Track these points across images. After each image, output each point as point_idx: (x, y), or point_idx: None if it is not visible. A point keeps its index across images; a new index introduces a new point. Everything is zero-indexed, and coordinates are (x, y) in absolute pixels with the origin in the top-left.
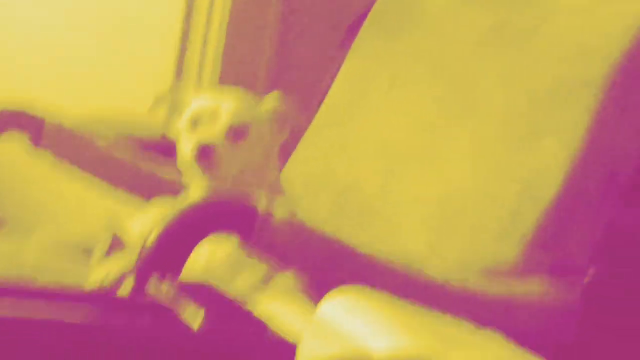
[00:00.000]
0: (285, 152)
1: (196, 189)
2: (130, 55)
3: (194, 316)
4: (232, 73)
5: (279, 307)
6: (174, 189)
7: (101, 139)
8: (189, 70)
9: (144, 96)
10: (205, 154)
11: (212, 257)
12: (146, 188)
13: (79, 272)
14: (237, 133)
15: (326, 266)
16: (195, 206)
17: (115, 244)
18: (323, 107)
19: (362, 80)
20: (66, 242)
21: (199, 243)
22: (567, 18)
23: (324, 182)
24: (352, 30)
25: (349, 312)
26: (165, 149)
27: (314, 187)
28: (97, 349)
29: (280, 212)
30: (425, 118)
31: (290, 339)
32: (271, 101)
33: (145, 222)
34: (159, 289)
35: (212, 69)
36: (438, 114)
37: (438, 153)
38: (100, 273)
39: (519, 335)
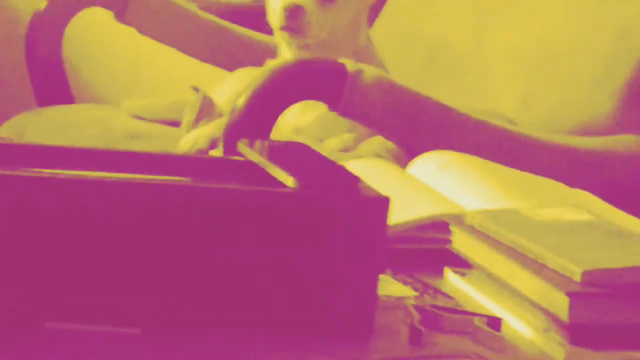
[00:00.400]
0: (374, 12)
1: (286, 52)
2: None
3: (286, 174)
4: None
5: (368, 166)
6: (264, 53)
7: (188, 4)
8: None
9: None
10: (294, 14)
11: (302, 118)
12: (235, 53)
13: (170, 137)
14: None
15: (417, 126)
16: (284, 68)
17: (205, 109)
18: None
19: None
20: (156, 108)
21: (289, 105)
22: None
23: (413, 39)
24: None
25: (440, 172)
26: (255, 14)
27: (403, 45)
28: (190, 208)
29: (369, 73)
30: None
31: (383, 195)
32: None
33: (234, 85)
34: (250, 150)
35: None
36: None
37: (530, 5)
38: (190, 137)
39: (613, 190)
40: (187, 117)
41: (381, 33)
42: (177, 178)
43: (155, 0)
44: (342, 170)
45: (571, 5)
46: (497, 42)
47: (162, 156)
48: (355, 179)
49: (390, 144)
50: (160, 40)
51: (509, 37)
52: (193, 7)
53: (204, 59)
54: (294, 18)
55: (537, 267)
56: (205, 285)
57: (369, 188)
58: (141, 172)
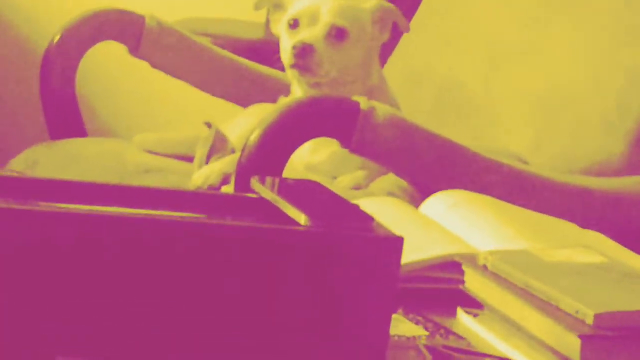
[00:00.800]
0: (387, 50)
1: (298, 89)
2: None
3: (299, 212)
4: None
5: (381, 205)
6: (277, 89)
7: (202, 39)
8: None
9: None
10: (304, 53)
11: (315, 156)
12: (248, 89)
13: (183, 172)
14: (337, 33)
15: (430, 165)
16: (297, 105)
17: (217, 144)
18: (424, 2)
19: None
20: (168, 143)
21: (301, 142)
22: None
23: (425, 77)
24: None
25: (452, 211)
26: (268, 50)
27: (415, 84)
28: (203, 245)
29: (382, 110)
30: (530, 11)
31: (396, 234)
32: (373, 2)
33: (247, 121)
34: (263, 187)
35: None
36: (542, 7)
37: (542, 46)
38: (203, 172)
39: (626, 232)
40: (200, 153)
41: (394, 71)
42: (189, 214)
43: (169, 34)
44: (355, 209)
45: (581, 47)
46: (508, 83)
47: (174, 192)
48: (369, 217)
49: (402, 182)
50: (174, 75)
51: (519, 78)
52: (206, 42)
53: (217, 95)
54: (303, 57)
55: (549, 309)
56: (217, 322)
57: (382, 227)
58: (153, 208)
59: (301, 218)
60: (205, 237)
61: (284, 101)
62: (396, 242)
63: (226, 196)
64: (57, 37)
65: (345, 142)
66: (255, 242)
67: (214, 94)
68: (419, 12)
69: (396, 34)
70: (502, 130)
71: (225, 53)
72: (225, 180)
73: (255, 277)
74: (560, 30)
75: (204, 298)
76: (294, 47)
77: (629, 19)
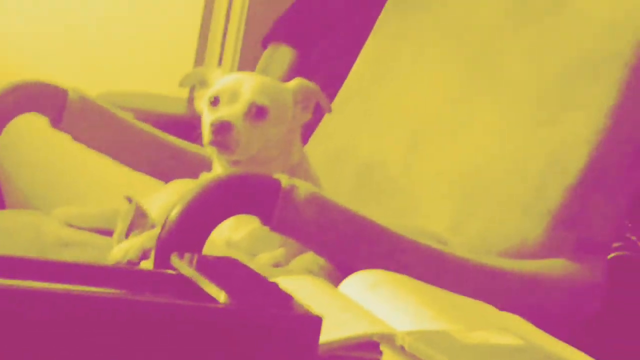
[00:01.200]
0: (309, 128)
1: (218, 166)
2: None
3: (218, 289)
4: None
5: (301, 283)
6: (199, 165)
7: (124, 114)
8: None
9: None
10: (222, 130)
11: (235, 233)
12: (170, 164)
13: (102, 246)
14: (257, 111)
15: (350, 244)
16: (217, 182)
17: (138, 219)
18: (347, 81)
19: (386, 55)
20: (88, 217)
21: (222, 219)
22: None
23: (348, 156)
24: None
25: (371, 290)
26: (191, 125)
27: (338, 161)
28: (120, 320)
29: (303, 189)
30: (451, 92)
31: (315, 313)
32: (295, 83)
33: (168, 196)
34: (182, 263)
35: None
36: (463, 88)
37: (462, 127)
38: (122, 247)
39: (543, 314)
40: (120, 227)
41: (316, 149)
42: (107, 290)
43: (91, 108)
44: (274, 287)
45: (502, 129)
46: (428, 163)
47: (93, 267)
48: (288, 296)
49: (322, 261)
50: (95, 148)
51: (439, 158)
52: (129, 117)
53: (139, 169)
54: (222, 134)
55: None
56: None
57: (301, 306)
58: (71, 283)
59: (220, 296)
60: (123, 313)
61: (205, 177)
62: (315, 321)
63: (145, 272)
64: None
65: (266, 220)
66: (173, 319)
67: (135, 169)
68: (342, 91)
69: (319, 112)
70: (421, 210)
71: (148, 128)
72: (144, 255)
73: (172, 354)
74: (482, 111)
75: None
76: (212, 124)
77: (550, 102)
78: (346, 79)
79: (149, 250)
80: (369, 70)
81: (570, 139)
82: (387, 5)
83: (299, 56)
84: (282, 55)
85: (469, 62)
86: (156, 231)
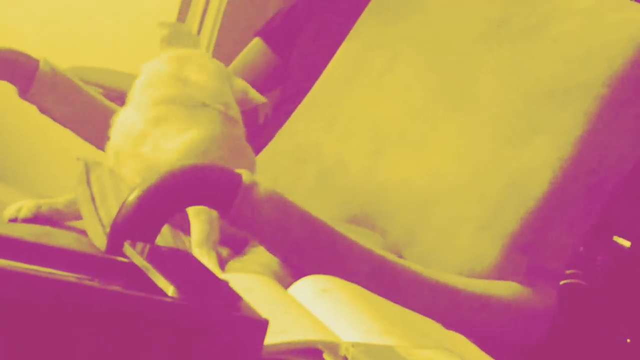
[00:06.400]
0: (276, 125)
1: None
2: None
3: (167, 282)
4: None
5: (251, 283)
6: None
7: (93, 89)
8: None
9: (136, 57)
10: None
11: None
12: None
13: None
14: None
15: (303, 246)
16: (178, 171)
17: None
18: (318, 82)
19: (358, 62)
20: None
21: (181, 208)
22: (572, 19)
23: (310, 156)
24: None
25: (321, 296)
26: None
27: (300, 160)
28: (63, 305)
29: (264, 187)
30: (417, 105)
31: (263, 314)
32: (237, 83)
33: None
34: (134, 252)
35: (210, 34)
36: (430, 102)
37: (426, 140)
38: (16, 205)
39: (490, 335)
40: (80, 190)
41: (280, 147)
42: (53, 271)
43: (61, 81)
44: (225, 286)
45: (466, 147)
46: (390, 171)
47: (41, 246)
48: (236, 296)
49: (275, 264)
50: (61, 123)
51: (402, 168)
52: (96, 93)
53: (101, 147)
54: None
55: None
56: None
57: (249, 307)
58: (20, 260)
59: (169, 289)
60: (67, 297)
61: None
62: (260, 324)
63: (97, 257)
64: None
65: (223, 214)
66: (118, 307)
67: (98, 147)
68: (312, 91)
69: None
70: (379, 217)
71: (115, 106)
72: (38, 218)
73: (113, 343)
74: (448, 126)
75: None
76: None
77: (517, 125)
78: (318, 80)
79: (45, 212)
80: (341, 73)
81: (533, 164)
82: (366, 10)
83: (277, 61)
84: (264, 54)
85: (440, 77)
86: (56, 200)
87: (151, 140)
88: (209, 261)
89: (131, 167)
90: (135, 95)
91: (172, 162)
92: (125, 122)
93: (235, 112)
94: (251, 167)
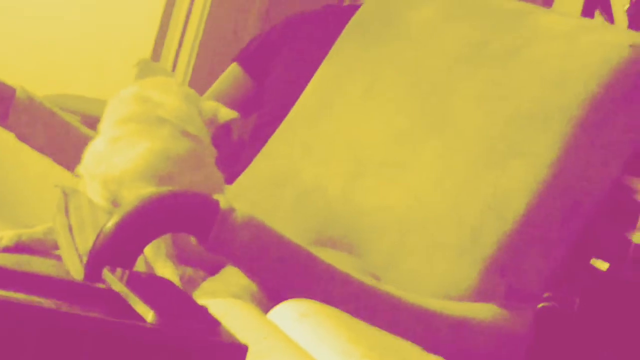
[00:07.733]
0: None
1: None
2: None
3: (147, 308)
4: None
5: (230, 308)
6: None
7: (70, 117)
8: (164, 62)
9: (116, 84)
10: None
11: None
12: None
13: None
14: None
15: (281, 271)
16: (156, 197)
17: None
18: (297, 105)
19: (337, 85)
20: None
21: (158, 235)
22: (548, 43)
23: (289, 178)
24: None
25: (300, 321)
26: None
27: (279, 183)
28: (44, 331)
29: (241, 212)
30: (395, 128)
31: (242, 340)
32: (209, 108)
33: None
34: (113, 277)
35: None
36: (409, 126)
37: (404, 164)
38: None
39: (467, 358)
40: (58, 220)
41: (258, 170)
42: (34, 297)
43: (37, 108)
44: (204, 311)
45: (444, 170)
46: (369, 196)
47: (22, 274)
48: (216, 321)
49: (253, 286)
50: (39, 150)
51: (381, 192)
52: (75, 120)
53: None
54: None
55: None
56: None
57: (228, 333)
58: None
59: (148, 315)
60: (48, 323)
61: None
62: (240, 350)
63: (76, 284)
64: None
65: (202, 240)
66: (99, 333)
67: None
68: (290, 114)
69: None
70: (358, 241)
71: (92, 133)
72: (20, 247)
73: None
74: (427, 150)
75: None
76: None
77: (494, 148)
78: (295, 103)
79: (28, 243)
80: (319, 97)
81: (510, 186)
82: (343, 34)
83: (254, 85)
84: (241, 79)
85: (419, 101)
86: (36, 229)
87: (105, 158)
88: (165, 272)
89: (92, 188)
90: (104, 121)
91: (119, 175)
92: (92, 147)
93: (199, 130)
94: (216, 186)
